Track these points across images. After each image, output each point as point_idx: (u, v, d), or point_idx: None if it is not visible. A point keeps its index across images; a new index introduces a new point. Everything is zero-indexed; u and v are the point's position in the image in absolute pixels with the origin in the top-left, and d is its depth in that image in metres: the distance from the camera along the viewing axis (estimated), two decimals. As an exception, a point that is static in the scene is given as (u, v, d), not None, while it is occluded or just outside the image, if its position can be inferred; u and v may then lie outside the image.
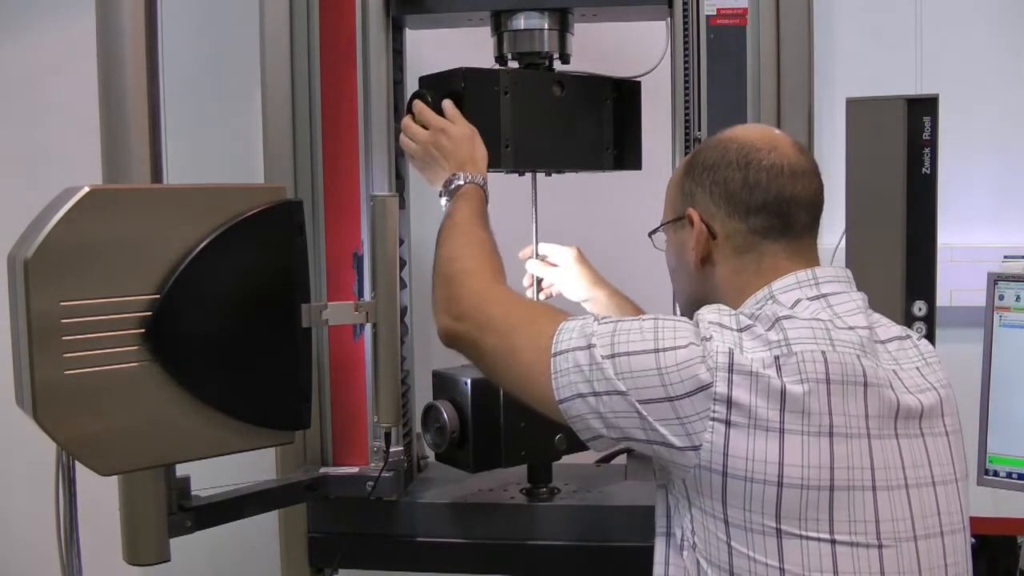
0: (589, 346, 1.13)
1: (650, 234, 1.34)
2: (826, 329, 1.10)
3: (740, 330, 1.10)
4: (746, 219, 1.19)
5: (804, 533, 1.04)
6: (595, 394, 1.12)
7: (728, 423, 1.05)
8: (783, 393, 1.04)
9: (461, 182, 1.49)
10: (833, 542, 1.04)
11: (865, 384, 1.08)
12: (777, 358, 1.06)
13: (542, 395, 1.17)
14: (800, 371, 1.05)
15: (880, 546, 1.06)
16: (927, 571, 1.09)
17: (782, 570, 1.05)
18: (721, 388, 1.05)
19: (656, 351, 1.09)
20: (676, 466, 1.11)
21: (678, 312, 1.58)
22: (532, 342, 1.20)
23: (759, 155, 1.19)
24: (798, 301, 1.15)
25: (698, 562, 1.11)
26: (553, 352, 1.16)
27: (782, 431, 1.04)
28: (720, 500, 1.07)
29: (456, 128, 1.54)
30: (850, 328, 1.12)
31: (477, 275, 1.33)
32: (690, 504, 1.12)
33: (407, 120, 1.59)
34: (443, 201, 1.50)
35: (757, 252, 1.19)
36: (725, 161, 1.20)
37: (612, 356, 1.11)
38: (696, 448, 1.07)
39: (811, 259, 1.22)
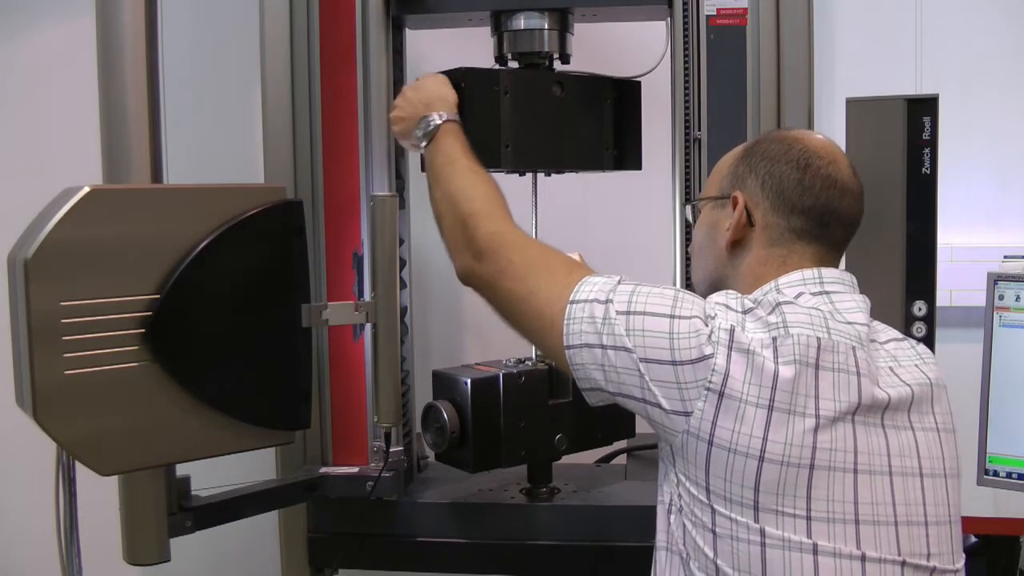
0: (607, 301, 1.16)
1: (688, 203, 1.35)
2: (824, 318, 1.13)
3: (743, 312, 1.13)
4: (788, 217, 1.22)
5: (780, 508, 1.07)
6: (602, 347, 1.15)
7: (721, 394, 1.08)
8: (776, 373, 1.07)
9: (437, 120, 1.48)
10: (808, 519, 1.07)
11: (858, 374, 1.10)
12: (775, 339, 1.09)
13: (553, 340, 1.20)
14: (794, 353, 1.08)
15: (857, 522, 1.08)
16: (908, 555, 1.10)
17: (762, 531, 1.07)
18: (720, 361, 1.08)
19: (672, 316, 1.13)
20: (665, 430, 1.14)
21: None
22: (549, 290, 1.22)
23: (819, 162, 1.22)
24: (800, 294, 1.18)
25: (684, 525, 1.14)
26: (571, 299, 1.19)
27: (770, 408, 1.07)
28: (704, 468, 1.10)
29: (421, 80, 1.56)
30: (849, 323, 1.15)
31: (492, 217, 1.34)
32: (675, 469, 1.15)
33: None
34: (422, 146, 1.48)
35: (787, 249, 1.23)
36: (786, 157, 1.23)
37: (627, 313, 1.15)
38: (687, 414, 1.10)
39: (834, 267, 1.25)
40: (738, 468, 1.08)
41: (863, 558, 1.07)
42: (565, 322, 1.18)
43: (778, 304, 1.13)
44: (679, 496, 1.15)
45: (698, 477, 1.11)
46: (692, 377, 1.09)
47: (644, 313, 1.14)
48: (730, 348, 1.09)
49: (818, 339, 1.10)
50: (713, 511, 1.10)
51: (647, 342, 1.12)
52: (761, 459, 1.07)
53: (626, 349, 1.13)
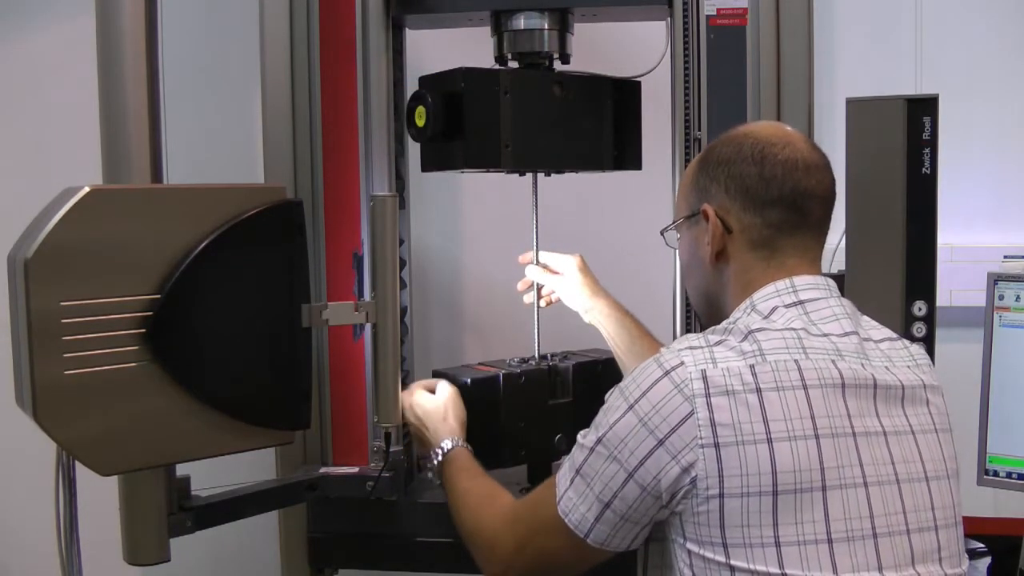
0: (577, 470, 1.16)
1: (662, 232, 1.35)
2: (798, 338, 1.12)
3: (712, 345, 1.12)
4: (761, 213, 1.19)
5: (802, 538, 1.05)
6: (606, 506, 1.14)
7: (716, 445, 1.06)
8: (762, 403, 1.06)
9: (439, 458, 1.54)
10: (829, 541, 1.05)
11: (843, 385, 1.10)
12: (752, 367, 1.08)
13: (583, 549, 1.18)
14: (776, 379, 1.08)
15: (875, 536, 1.07)
16: (920, 562, 1.09)
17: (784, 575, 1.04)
18: (703, 413, 1.07)
19: (631, 407, 1.11)
20: (678, 506, 1.10)
21: (680, 306, 1.63)
22: (548, 523, 1.20)
23: (774, 150, 1.19)
24: (775, 309, 1.17)
25: None
26: (560, 507, 1.18)
27: (769, 441, 1.05)
28: (719, 525, 1.07)
29: (419, 407, 1.62)
30: (824, 335, 1.14)
31: (485, 536, 1.33)
32: (687, 543, 1.11)
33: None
34: (437, 483, 1.56)
35: (769, 248, 1.20)
36: (740, 156, 1.21)
37: (599, 440, 1.14)
38: (693, 481, 1.07)
39: (818, 256, 1.24)
40: (754, 510, 1.05)
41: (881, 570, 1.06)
42: (570, 526, 1.17)
43: (751, 332, 1.12)
44: (690, 568, 1.11)
45: (713, 537, 1.07)
46: (681, 443, 1.07)
47: (611, 425, 1.12)
48: (708, 396, 1.07)
49: (796, 361, 1.09)
50: (732, 569, 1.06)
51: (630, 446, 1.10)
52: (775, 494, 1.05)
53: (621, 482, 1.11)
